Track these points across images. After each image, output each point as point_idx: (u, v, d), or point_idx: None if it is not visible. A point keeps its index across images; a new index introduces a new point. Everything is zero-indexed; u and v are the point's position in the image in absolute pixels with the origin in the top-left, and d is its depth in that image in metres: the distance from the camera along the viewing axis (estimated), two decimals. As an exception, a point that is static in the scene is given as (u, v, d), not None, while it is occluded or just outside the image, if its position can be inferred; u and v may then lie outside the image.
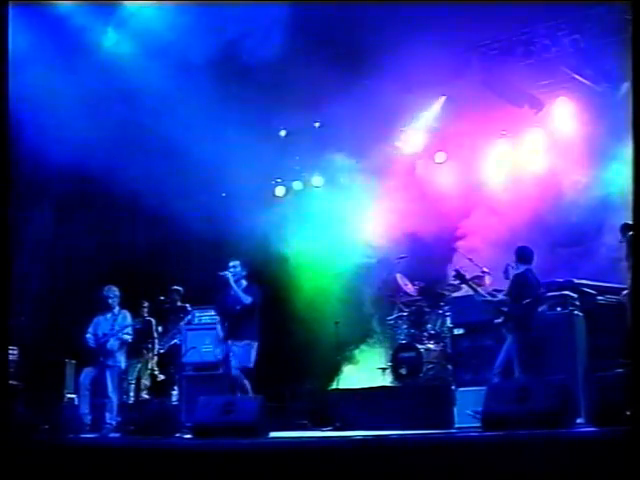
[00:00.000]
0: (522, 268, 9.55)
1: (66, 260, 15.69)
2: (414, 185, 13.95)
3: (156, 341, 12.79)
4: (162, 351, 12.75)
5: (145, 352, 12.66)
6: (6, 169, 8.67)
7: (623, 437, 5.73)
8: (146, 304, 12.65)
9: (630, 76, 6.76)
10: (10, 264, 8.70)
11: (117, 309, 11.51)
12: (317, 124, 14.24)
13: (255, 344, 10.16)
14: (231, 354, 10.08)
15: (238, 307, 10.20)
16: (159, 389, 12.62)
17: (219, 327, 10.61)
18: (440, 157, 14.04)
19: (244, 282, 10.37)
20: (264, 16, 11.81)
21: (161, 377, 12.78)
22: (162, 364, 12.81)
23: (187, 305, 12.66)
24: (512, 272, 9.82)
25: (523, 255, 9.64)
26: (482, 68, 12.55)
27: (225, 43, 11.93)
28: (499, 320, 9.46)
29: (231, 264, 10.36)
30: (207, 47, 11.88)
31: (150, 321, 12.66)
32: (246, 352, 10.07)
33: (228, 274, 10.24)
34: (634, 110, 6.63)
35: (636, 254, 6.39)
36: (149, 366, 12.80)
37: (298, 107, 12.89)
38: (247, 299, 10.16)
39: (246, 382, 10.01)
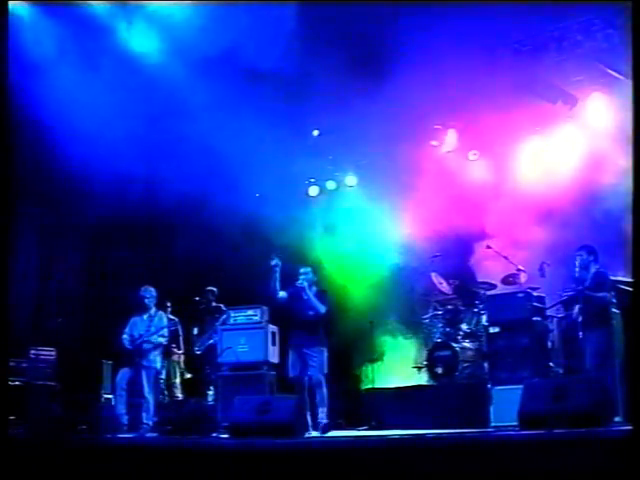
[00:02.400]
0: (597, 265, 9.62)
1: (102, 261, 15.82)
2: (447, 183, 13.90)
3: (181, 341, 12.84)
4: (199, 352, 12.80)
5: (178, 352, 12.73)
6: (6, 169, 8.72)
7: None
8: (169, 304, 12.66)
9: (630, 75, 6.71)
10: (6, 267, 8.79)
11: (153, 310, 11.59)
12: (350, 123, 14.22)
13: (325, 350, 10.23)
14: (310, 361, 10.11)
15: (311, 313, 10.26)
16: (194, 389, 12.69)
17: (291, 334, 10.60)
18: (473, 155, 13.99)
19: (314, 288, 10.42)
20: (293, 16, 11.86)
21: (196, 377, 12.84)
22: (198, 364, 12.87)
23: (222, 305, 12.70)
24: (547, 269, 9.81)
25: (595, 253, 9.72)
26: (515, 65, 12.48)
27: (255, 44, 11.95)
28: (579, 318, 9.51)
29: (302, 270, 10.43)
30: (237, 48, 11.91)
31: (177, 321, 12.70)
32: (322, 358, 10.15)
33: (304, 283, 10.28)
34: (634, 110, 6.60)
35: (636, 254, 6.35)
36: (183, 366, 12.87)
37: (330, 107, 12.89)
38: (322, 307, 10.27)
39: (325, 388, 10.06)
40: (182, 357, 12.82)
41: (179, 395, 12.58)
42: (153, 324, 11.47)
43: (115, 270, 15.25)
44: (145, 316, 11.55)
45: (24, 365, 13.06)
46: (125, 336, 11.52)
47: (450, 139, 14.12)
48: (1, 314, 7.72)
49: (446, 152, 14.19)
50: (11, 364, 12.90)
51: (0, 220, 7.90)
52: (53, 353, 13.32)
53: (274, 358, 11.77)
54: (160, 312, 11.67)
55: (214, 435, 10.11)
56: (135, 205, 13.95)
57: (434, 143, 14.21)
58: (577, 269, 9.79)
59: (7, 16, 9.61)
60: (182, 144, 12.95)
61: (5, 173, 13.59)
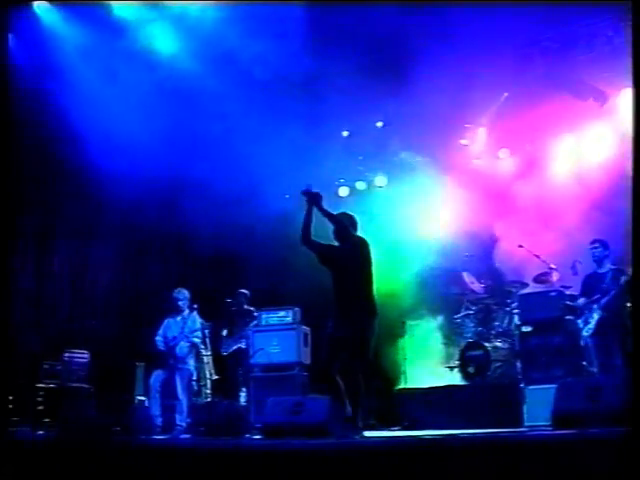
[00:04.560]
0: (609, 261, 9.63)
1: (135, 264, 15.93)
2: (478, 182, 13.86)
3: (208, 342, 12.88)
4: (225, 353, 12.83)
5: (207, 354, 12.77)
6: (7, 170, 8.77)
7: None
8: (195, 306, 12.70)
9: (630, 76, 6.65)
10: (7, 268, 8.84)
11: (187, 312, 11.65)
12: (380, 124, 14.22)
13: None
14: None
15: None
16: (227, 391, 12.73)
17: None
18: (504, 153, 13.95)
19: None
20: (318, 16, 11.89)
21: (226, 379, 12.88)
22: (229, 366, 12.90)
23: (252, 309, 12.73)
24: (579, 267, 9.79)
25: (609, 247, 9.71)
26: (544, 62, 12.42)
27: (281, 46, 11.98)
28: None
29: None
30: (264, 50, 11.95)
31: (207, 323, 12.74)
32: None
33: None
34: (635, 110, 6.54)
35: (636, 255, 6.32)
36: (212, 368, 12.91)
37: (360, 107, 12.89)
38: None
39: None
40: (210, 359, 12.86)
41: (211, 397, 12.62)
42: (187, 326, 11.53)
43: (148, 272, 15.36)
44: (178, 318, 11.63)
45: (58, 368, 13.18)
46: (159, 338, 11.60)
47: (480, 138, 14.10)
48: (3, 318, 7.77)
49: (476, 150, 14.16)
50: (45, 367, 13.06)
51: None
52: (86, 355, 13.42)
53: (306, 359, 11.79)
54: (193, 314, 11.73)
55: (247, 436, 10.14)
56: (166, 207, 14.05)
57: (464, 142, 14.19)
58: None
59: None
60: (210, 147, 13.00)
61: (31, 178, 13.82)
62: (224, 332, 12.87)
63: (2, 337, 7.79)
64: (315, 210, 8.78)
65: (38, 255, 15.09)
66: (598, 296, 10.11)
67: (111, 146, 12.57)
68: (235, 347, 12.68)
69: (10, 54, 12.89)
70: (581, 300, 10.46)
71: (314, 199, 8.74)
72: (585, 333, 10.21)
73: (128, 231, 15.05)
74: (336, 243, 8.90)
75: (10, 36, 13.05)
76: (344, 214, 8.99)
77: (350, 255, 8.72)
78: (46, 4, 13.06)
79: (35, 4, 12.98)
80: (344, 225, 8.81)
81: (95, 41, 13.11)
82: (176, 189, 13.60)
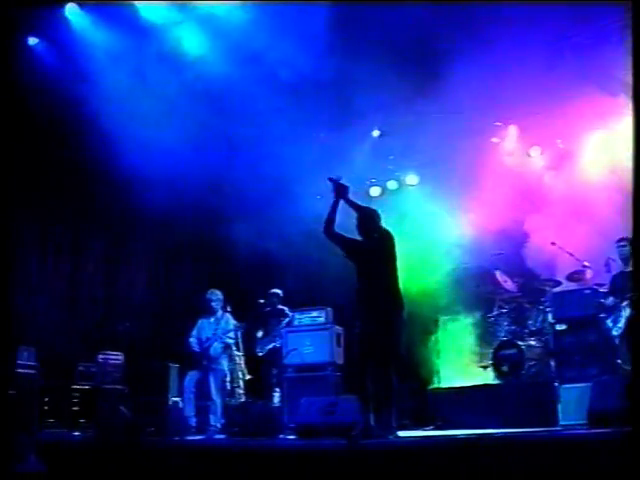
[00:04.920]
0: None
1: (168, 265, 16.02)
2: (509, 180, 13.78)
3: (241, 343, 12.91)
4: (261, 354, 12.87)
5: (240, 354, 12.81)
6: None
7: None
8: (229, 308, 12.74)
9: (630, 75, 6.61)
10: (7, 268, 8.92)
11: (220, 313, 11.72)
12: (409, 122, 14.18)
13: None
14: None
15: None
16: (261, 391, 12.76)
17: None
18: (535, 151, 13.89)
19: None
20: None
21: (260, 379, 12.91)
22: (263, 366, 12.94)
23: (285, 308, 12.76)
24: (613, 265, 9.70)
25: None
26: (575, 58, 12.33)
27: (310, 45, 11.99)
28: None
29: None
30: (294, 50, 11.96)
31: (244, 325, 12.78)
32: None
33: None
34: (635, 110, 6.49)
35: (636, 256, 6.25)
36: (245, 369, 12.95)
37: (390, 107, 12.87)
38: None
39: None
40: (244, 359, 12.89)
41: (244, 397, 12.66)
42: (220, 327, 11.60)
43: (181, 274, 15.44)
44: (212, 319, 11.69)
45: (93, 369, 13.29)
46: (192, 339, 11.67)
47: (511, 135, 14.03)
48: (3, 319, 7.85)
49: (507, 148, 14.10)
50: (80, 368, 13.19)
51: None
52: (121, 357, 13.53)
53: (339, 359, 11.79)
54: (227, 315, 11.80)
55: (281, 436, 10.17)
56: (199, 209, 14.11)
57: (495, 140, 14.13)
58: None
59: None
60: (241, 148, 13.05)
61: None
62: (259, 334, 12.90)
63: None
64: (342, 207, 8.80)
65: (72, 258, 15.23)
66: (627, 295, 10.02)
67: (143, 149, 12.63)
68: (270, 346, 12.71)
69: (42, 58, 13.10)
70: (610, 299, 10.39)
71: (340, 190, 8.74)
72: (615, 332, 10.13)
73: (161, 233, 15.13)
74: (359, 237, 8.88)
75: (42, 40, 13.24)
76: (367, 208, 8.99)
77: (375, 248, 8.70)
78: (76, 7, 13.15)
79: (67, 7, 13.08)
80: (369, 216, 8.81)
81: (124, 44, 13.19)
82: (208, 191, 13.64)
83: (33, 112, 12.40)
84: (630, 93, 12.34)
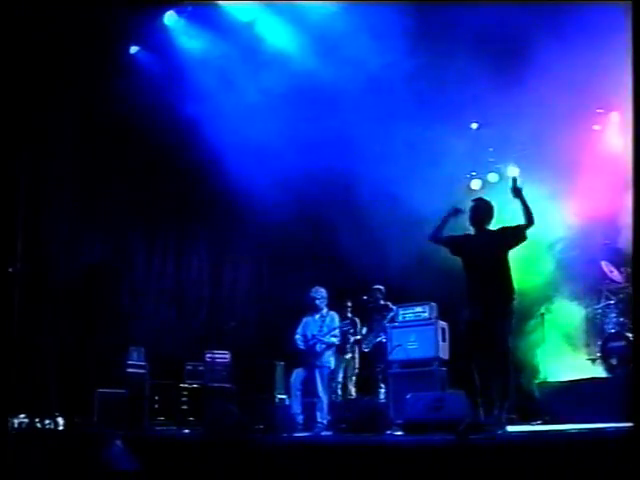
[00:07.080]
0: None
1: (272, 265, 16.18)
2: (612, 168, 13.47)
3: (352, 339, 12.95)
4: (367, 350, 12.92)
5: (350, 351, 12.86)
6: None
7: None
8: (349, 303, 12.81)
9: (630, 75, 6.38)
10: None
11: (325, 310, 11.79)
12: (508, 113, 14.00)
13: None
14: None
15: None
16: (366, 388, 12.80)
17: None
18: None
19: None
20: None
21: (367, 375, 12.95)
22: (368, 363, 12.98)
23: (389, 303, 12.77)
24: None
25: None
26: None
27: (404, 41, 11.97)
28: None
29: None
30: (386, 46, 11.97)
31: (355, 321, 12.85)
32: None
33: None
34: (635, 110, 6.27)
35: (636, 257, 6.05)
36: (355, 365, 13.00)
37: (488, 99, 12.74)
38: None
39: None
40: (356, 356, 12.95)
41: (353, 394, 12.72)
42: (325, 324, 11.66)
43: (285, 272, 15.56)
44: (317, 316, 11.77)
45: (200, 368, 13.56)
46: (298, 336, 11.77)
47: (613, 122, 13.73)
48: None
49: (609, 136, 13.80)
50: (188, 367, 13.46)
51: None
52: (228, 356, 13.75)
53: (445, 354, 11.74)
54: (332, 312, 11.86)
55: (388, 432, 10.19)
56: (301, 208, 14.20)
57: (597, 127, 13.85)
58: None
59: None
60: (341, 148, 13.09)
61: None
62: (364, 330, 12.95)
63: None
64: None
65: (178, 258, 15.55)
66: None
67: (241, 151, 12.81)
68: (376, 341, 12.75)
69: (144, 67, 13.40)
70: None
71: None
72: None
73: (265, 233, 15.28)
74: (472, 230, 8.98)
75: (142, 49, 13.54)
76: (481, 199, 9.01)
77: (490, 241, 8.80)
78: (175, 14, 13.42)
79: (166, 15, 13.36)
80: (488, 209, 9.16)
81: (218, 47, 13.41)
82: (310, 190, 13.73)
83: (139, 122, 12.72)
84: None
